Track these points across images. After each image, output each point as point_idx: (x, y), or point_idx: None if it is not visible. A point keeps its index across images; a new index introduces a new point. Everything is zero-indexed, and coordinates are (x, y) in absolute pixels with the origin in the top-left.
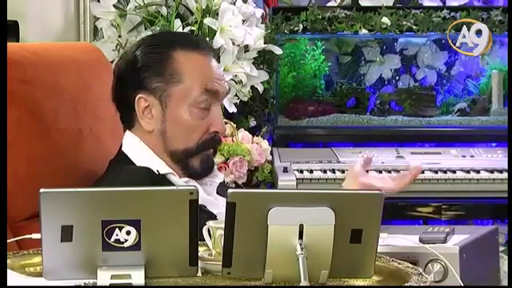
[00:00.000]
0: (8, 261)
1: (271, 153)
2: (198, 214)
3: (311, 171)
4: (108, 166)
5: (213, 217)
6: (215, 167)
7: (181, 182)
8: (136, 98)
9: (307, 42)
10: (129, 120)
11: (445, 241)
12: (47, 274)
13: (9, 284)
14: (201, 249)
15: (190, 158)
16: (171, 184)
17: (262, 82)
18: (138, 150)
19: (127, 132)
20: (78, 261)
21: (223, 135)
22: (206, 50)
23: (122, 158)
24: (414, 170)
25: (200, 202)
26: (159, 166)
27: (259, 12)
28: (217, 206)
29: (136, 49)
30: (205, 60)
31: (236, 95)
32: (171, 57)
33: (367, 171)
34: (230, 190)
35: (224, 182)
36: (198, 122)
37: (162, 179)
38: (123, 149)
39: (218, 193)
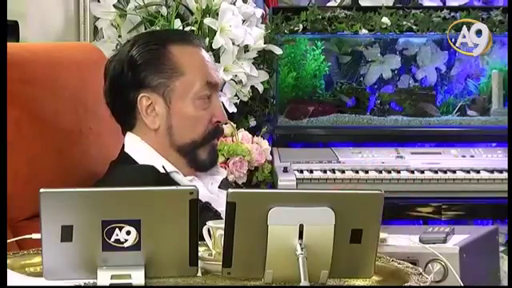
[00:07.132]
0: (8, 261)
1: (271, 153)
2: (198, 214)
3: (311, 171)
4: (109, 166)
5: (218, 214)
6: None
7: (186, 180)
8: (138, 98)
9: (307, 42)
10: (129, 121)
11: (445, 241)
12: (47, 274)
13: (9, 284)
14: (201, 249)
15: (197, 150)
16: (176, 183)
17: (262, 82)
18: (142, 150)
19: (128, 133)
20: (77, 261)
21: (223, 125)
22: (197, 44)
23: (124, 159)
24: None
25: (205, 200)
26: (164, 164)
27: (259, 12)
28: (220, 204)
29: (130, 48)
30: (199, 53)
31: (236, 95)
32: (169, 52)
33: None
34: (229, 190)
35: (226, 178)
36: (201, 113)
37: (167, 177)
38: (126, 150)
39: (220, 188)
